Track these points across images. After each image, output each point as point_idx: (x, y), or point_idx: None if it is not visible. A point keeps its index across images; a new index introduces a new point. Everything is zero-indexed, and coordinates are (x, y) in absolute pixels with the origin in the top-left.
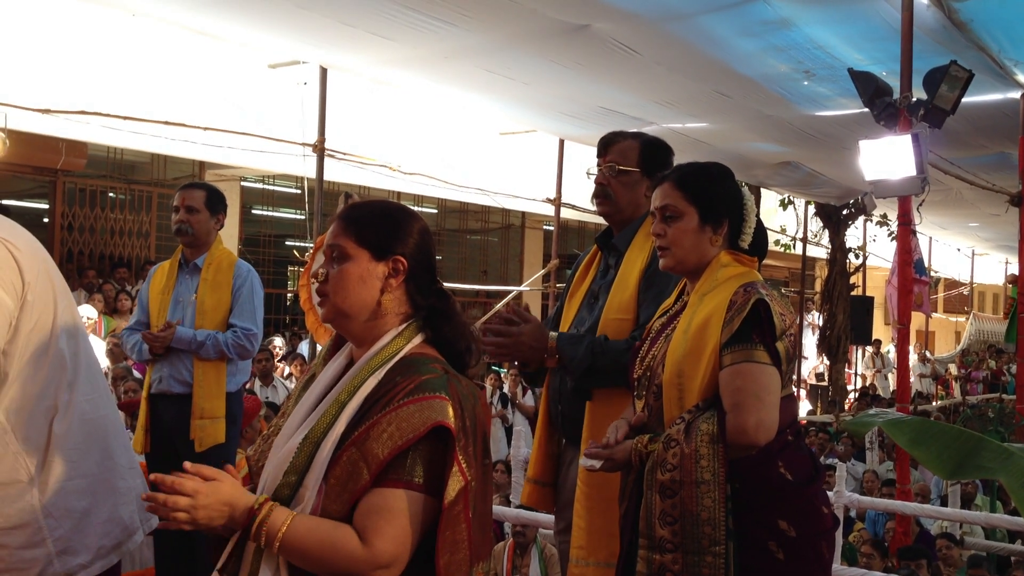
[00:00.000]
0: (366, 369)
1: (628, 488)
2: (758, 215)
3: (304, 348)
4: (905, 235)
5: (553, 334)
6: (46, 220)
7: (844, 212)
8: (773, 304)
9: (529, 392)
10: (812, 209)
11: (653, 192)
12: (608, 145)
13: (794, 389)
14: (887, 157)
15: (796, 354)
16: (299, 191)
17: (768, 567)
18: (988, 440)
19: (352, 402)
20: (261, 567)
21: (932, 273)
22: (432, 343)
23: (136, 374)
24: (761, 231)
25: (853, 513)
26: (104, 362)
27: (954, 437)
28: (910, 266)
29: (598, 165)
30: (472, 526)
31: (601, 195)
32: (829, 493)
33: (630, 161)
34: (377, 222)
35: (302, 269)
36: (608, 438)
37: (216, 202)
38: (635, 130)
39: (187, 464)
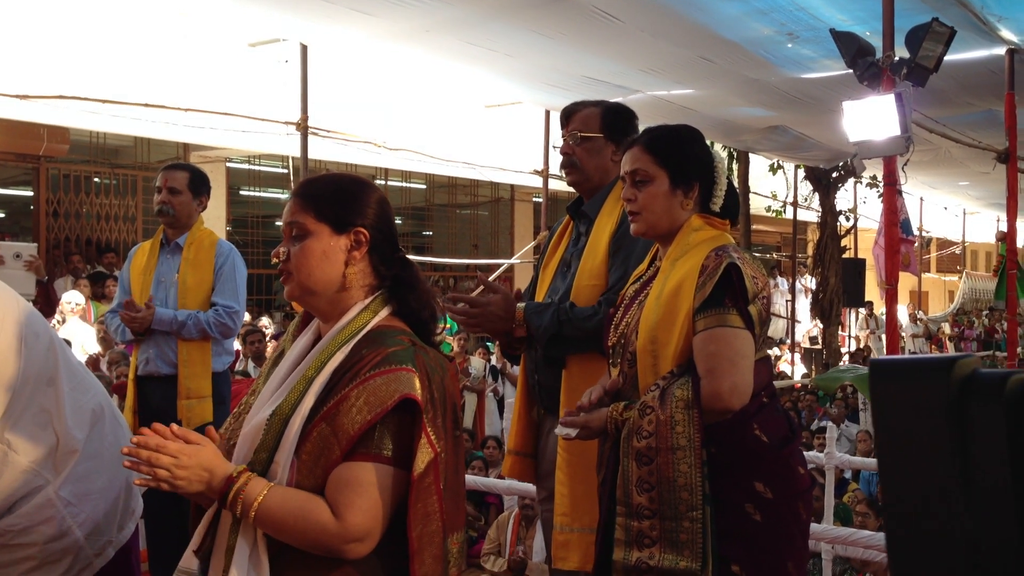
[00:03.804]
0: (333, 343)
1: (605, 456)
2: (729, 178)
3: None
4: (891, 195)
5: (521, 304)
6: (31, 207)
7: (834, 175)
8: (745, 267)
9: None
10: (802, 173)
11: (622, 157)
12: (570, 115)
13: (774, 351)
14: (871, 117)
15: (769, 317)
16: (285, 171)
17: (746, 530)
18: None
19: (320, 377)
20: (238, 540)
21: (924, 233)
22: (399, 315)
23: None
24: (732, 194)
25: (848, 474)
26: (95, 348)
27: None
28: (896, 226)
29: (562, 136)
30: (444, 497)
31: (568, 164)
32: (820, 455)
33: (592, 128)
34: (334, 195)
35: None
36: (582, 401)
37: (199, 184)
38: (606, 99)
39: (173, 426)
